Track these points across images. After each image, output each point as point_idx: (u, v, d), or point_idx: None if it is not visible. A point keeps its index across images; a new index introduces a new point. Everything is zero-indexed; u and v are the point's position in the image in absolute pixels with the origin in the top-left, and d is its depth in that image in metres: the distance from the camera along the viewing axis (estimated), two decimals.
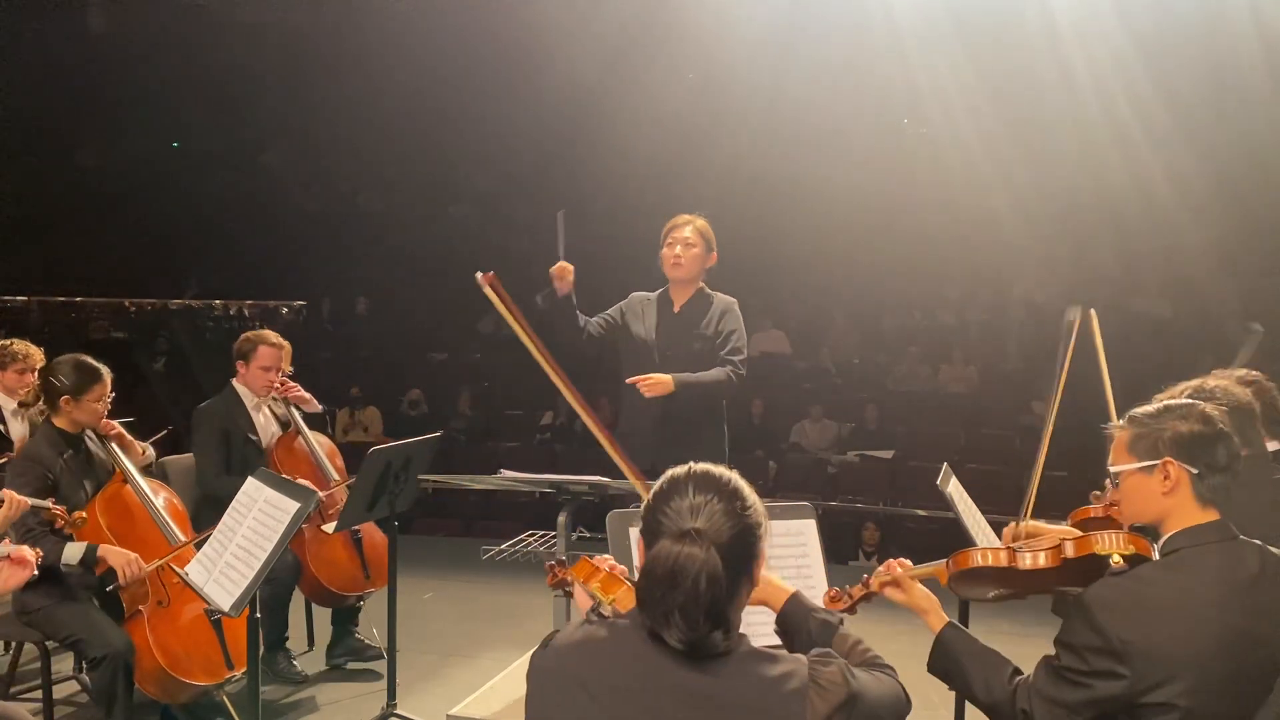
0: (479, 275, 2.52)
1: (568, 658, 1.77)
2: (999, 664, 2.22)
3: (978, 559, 2.34)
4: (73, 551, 3.61)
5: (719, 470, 1.80)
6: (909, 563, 2.43)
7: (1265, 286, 10.13)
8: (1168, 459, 2.15)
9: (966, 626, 3.09)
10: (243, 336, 4.61)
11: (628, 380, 4.11)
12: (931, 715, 4.07)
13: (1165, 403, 2.23)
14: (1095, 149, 10.08)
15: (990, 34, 9.52)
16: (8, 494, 3.39)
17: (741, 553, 1.73)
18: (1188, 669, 2.01)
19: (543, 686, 1.78)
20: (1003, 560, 2.31)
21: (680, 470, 1.81)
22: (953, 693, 3.15)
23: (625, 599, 2.04)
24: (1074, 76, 9.54)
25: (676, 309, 4.26)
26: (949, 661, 2.28)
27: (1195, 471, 2.14)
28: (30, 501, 3.41)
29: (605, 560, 2.18)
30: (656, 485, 1.81)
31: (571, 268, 4.14)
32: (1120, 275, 11.40)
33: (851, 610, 2.45)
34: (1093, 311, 2.82)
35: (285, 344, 4.61)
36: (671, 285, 4.29)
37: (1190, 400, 2.25)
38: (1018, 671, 2.21)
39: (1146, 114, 9.51)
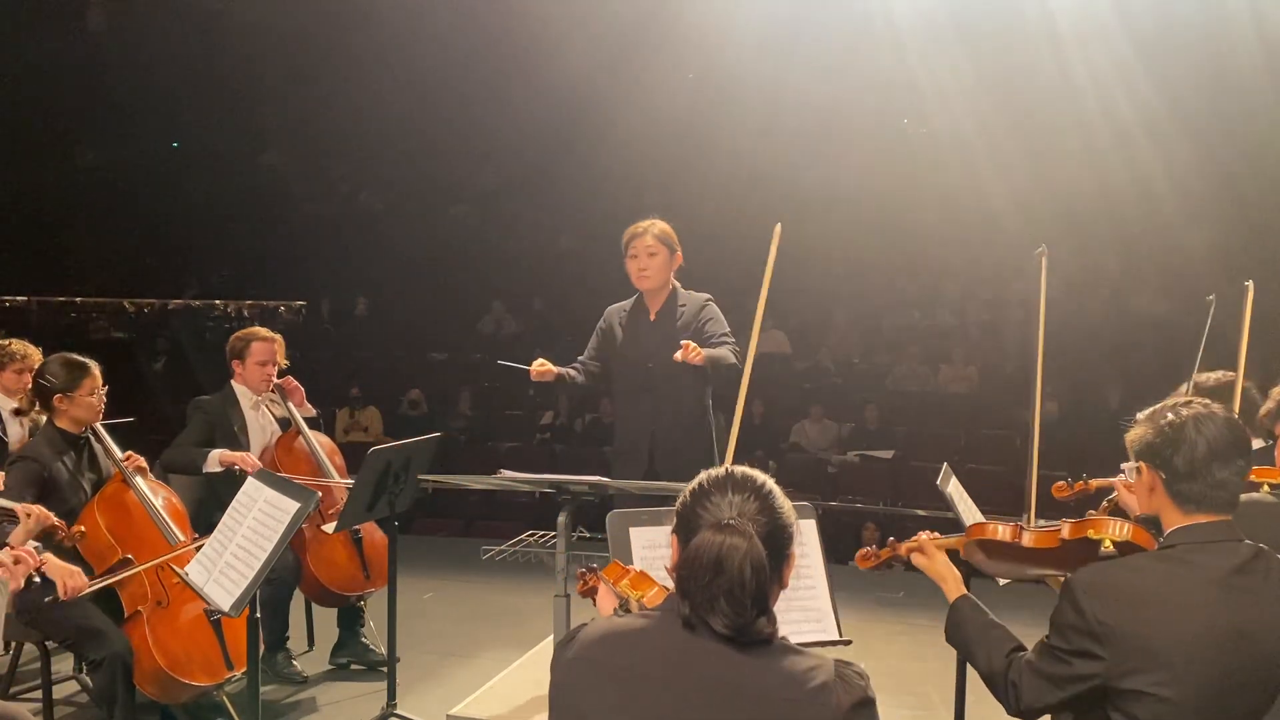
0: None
1: (595, 648, 1.77)
2: (1003, 638, 2.31)
3: (989, 531, 2.51)
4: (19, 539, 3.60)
5: (754, 472, 1.84)
6: (937, 535, 2.59)
7: (1265, 287, 10.13)
8: (1141, 463, 2.23)
9: None
10: (233, 336, 4.64)
11: (679, 356, 3.97)
12: (931, 715, 4.07)
13: (1156, 406, 2.29)
14: (1095, 149, 10.09)
15: (990, 34, 9.53)
16: (25, 507, 3.40)
17: (776, 551, 1.77)
18: (1169, 660, 2.03)
19: (568, 676, 1.79)
20: (1009, 536, 2.47)
21: (718, 471, 1.84)
22: (953, 693, 3.17)
23: (656, 597, 2.05)
24: (1074, 76, 9.55)
25: (653, 317, 4.25)
26: (959, 630, 2.39)
27: (1164, 477, 2.19)
28: (52, 517, 3.43)
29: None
30: (693, 484, 1.84)
31: (548, 369, 4.18)
32: (1120, 275, 11.40)
33: (879, 568, 2.69)
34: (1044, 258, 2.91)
35: (277, 336, 4.63)
36: (644, 294, 4.28)
37: (1162, 405, 2.28)
38: (1020, 648, 2.28)
39: (1147, 114, 9.52)
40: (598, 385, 4.39)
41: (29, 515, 3.34)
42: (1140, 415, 2.29)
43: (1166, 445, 2.18)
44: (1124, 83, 9.36)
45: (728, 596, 1.69)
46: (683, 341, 3.98)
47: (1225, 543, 2.14)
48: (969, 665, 2.42)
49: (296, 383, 4.70)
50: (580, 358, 4.37)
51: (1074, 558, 2.33)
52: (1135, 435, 2.26)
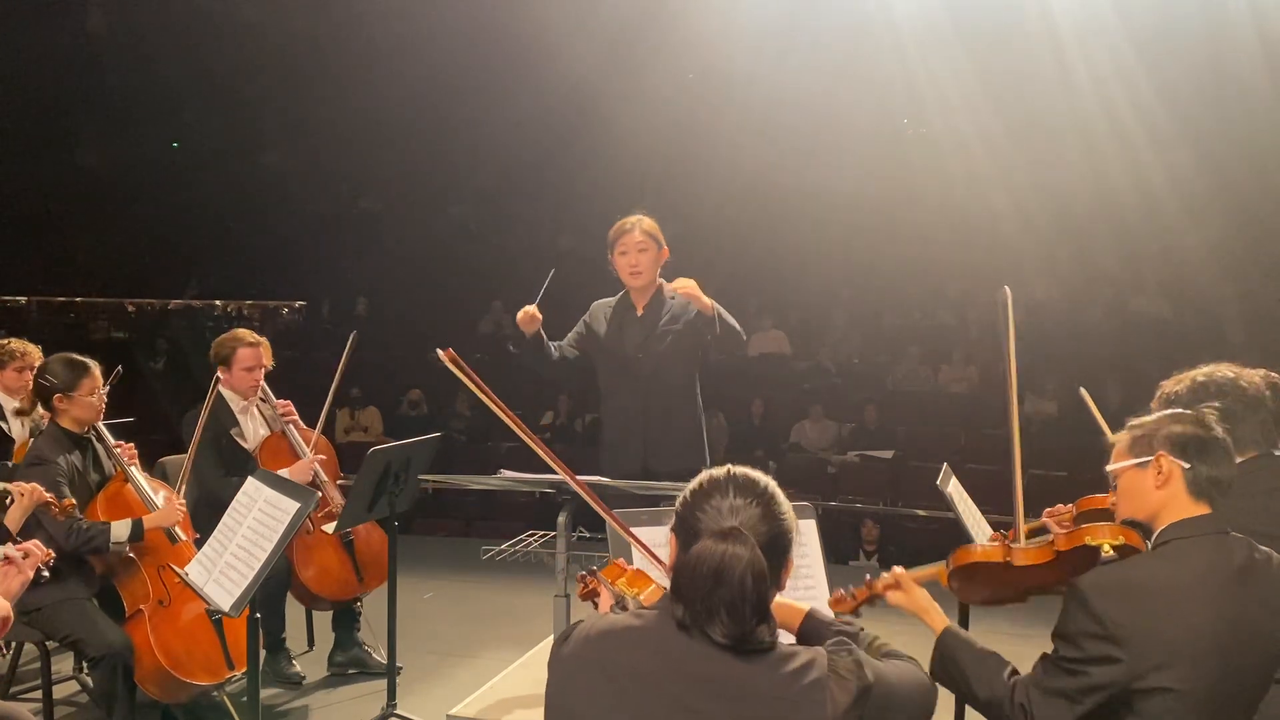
0: (439, 352, 2.43)
1: (590, 645, 1.77)
2: (998, 664, 2.25)
3: (976, 554, 2.37)
4: (120, 530, 3.66)
5: (756, 474, 1.83)
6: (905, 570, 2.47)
7: (1265, 287, 10.13)
8: (1161, 453, 2.20)
9: (967, 625, 3.10)
10: (216, 342, 4.52)
11: (673, 282, 4.02)
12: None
13: (1164, 411, 2.29)
14: (1095, 149, 10.09)
15: (990, 35, 9.53)
16: (19, 486, 3.40)
17: (776, 557, 1.76)
18: (1183, 652, 2.04)
19: (563, 674, 1.79)
20: (998, 556, 2.34)
21: (719, 471, 1.83)
22: (953, 694, 3.16)
23: (653, 595, 2.04)
24: (1074, 77, 9.55)
25: (640, 312, 4.21)
26: (949, 663, 2.31)
27: (1187, 465, 2.18)
28: (44, 493, 3.44)
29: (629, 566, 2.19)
30: (693, 484, 1.82)
31: (539, 317, 4.11)
32: (1120, 275, 11.41)
33: (855, 612, 2.51)
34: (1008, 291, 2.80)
35: (262, 340, 4.54)
36: (631, 290, 4.24)
37: (1187, 410, 2.29)
38: (1016, 671, 2.24)
39: (1147, 114, 9.53)
40: (558, 371, 4.32)
41: (23, 494, 3.35)
42: (1138, 420, 2.27)
43: (1205, 440, 2.18)
44: (1124, 83, 9.37)
45: (729, 608, 1.68)
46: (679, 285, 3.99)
47: (1216, 534, 2.17)
48: (967, 697, 2.30)
49: (292, 410, 4.64)
50: (559, 341, 4.31)
51: (1071, 569, 2.23)
52: (1158, 430, 2.21)
